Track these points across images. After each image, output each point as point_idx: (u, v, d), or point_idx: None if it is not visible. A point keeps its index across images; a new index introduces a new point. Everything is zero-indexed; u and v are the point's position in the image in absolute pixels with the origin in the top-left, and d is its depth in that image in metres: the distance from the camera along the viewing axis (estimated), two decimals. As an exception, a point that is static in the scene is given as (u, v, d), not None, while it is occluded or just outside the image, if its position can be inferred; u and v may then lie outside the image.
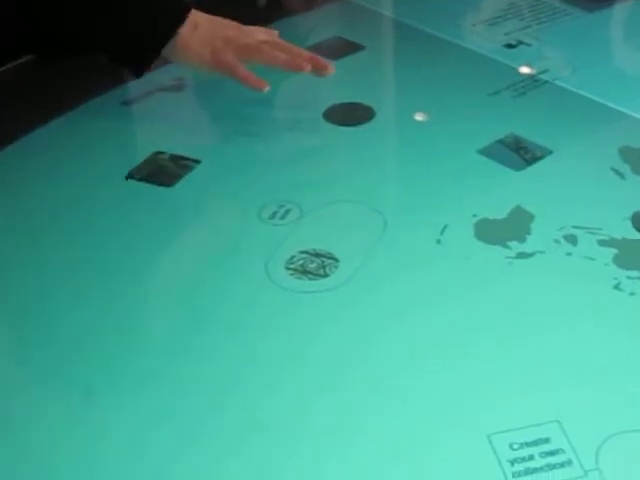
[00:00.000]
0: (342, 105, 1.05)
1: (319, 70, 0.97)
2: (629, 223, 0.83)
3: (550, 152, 0.94)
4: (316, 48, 1.11)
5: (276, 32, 1.04)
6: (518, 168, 0.92)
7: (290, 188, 0.90)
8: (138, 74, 1.02)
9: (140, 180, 0.93)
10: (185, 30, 0.98)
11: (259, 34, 1.01)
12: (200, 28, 0.99)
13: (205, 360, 0.72)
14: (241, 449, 0.64)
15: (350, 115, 1.03)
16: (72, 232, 0.87)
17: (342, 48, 1.18)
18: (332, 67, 0.98)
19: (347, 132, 1.01)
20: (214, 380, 0.70)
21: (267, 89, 0.95)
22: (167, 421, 0.66)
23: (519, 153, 0.94)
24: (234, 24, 1.02)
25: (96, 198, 0.92)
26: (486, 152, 0.95)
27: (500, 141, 0.96)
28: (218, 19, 1.02)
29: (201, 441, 0.65)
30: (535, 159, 0.93)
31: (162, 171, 0.94)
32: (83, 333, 0.75)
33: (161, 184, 0.92)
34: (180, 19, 0.98)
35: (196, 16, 0.99)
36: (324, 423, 0.66)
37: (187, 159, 0.96)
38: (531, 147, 0.95)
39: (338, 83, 1.05)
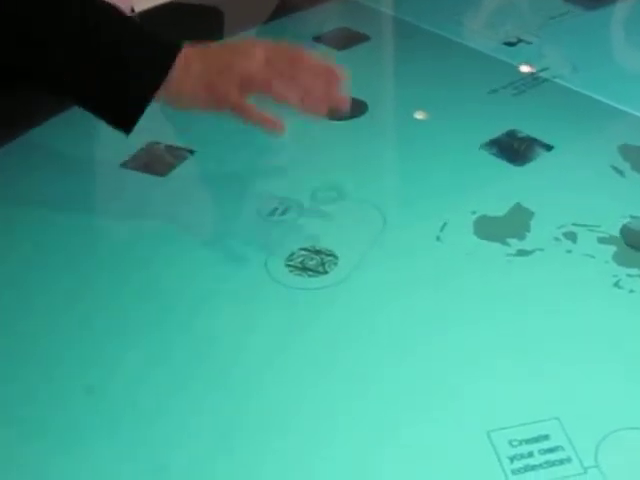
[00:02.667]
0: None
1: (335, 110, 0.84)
2: (629, 221, 0.83)
3: (550, 150, 0.94)
4: (321, 39, 1.11)
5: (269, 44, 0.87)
6: (518, 166, 0.92)
7: (289, 184, 0.91)
8: (125, 130, 0.84)
9: (135, 170, 0.93)
10: (176, 74, 0.82)
11: (256, 51, 0.84)
12: (193, 65, 0.83)
13: (202, 355, 0.72)
14: (237, 440, 0.64)
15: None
16: (69, 223, 0.87)
17: (348, 39, 1.18)
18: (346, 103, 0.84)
19: (345, 127, 1.00)
20: (213, 377, 0.70)
21: (285, 132, 0.81)
22: (164, 416, 0.67)
23: (519, 151, 0.94)
24: (227, 47, 0.88)
25: (93, 188, 0.92)
26: (486, 149, 0.95)
27: (500, 139, 0.96)
28: (210, 48, 0.86)
29: (198, 434, 0.65)
30: (535, 157, 0.93)
31: (157, 161, 0.95)
32: (82, 326, 0.75)
33: (156, 174, 0.93)
34: (163, 68, 0.82)
35: (187, 53, 0.83)
36: (324, 421, 0.66)
37: (182, 149, 0.96)
38: (531, 145, 0.95)
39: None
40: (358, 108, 1.03)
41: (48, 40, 0.82)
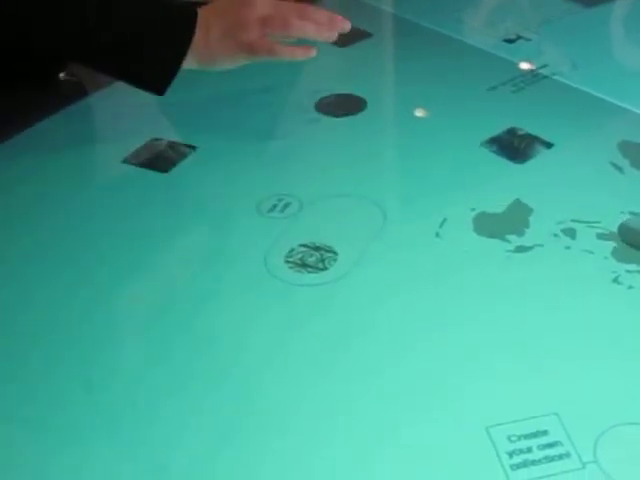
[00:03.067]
0: (337, 96, 1.05)
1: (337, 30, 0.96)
2: (628, 217, 0.83)
3: (549, 146, 0.94)
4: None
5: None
6: (517, 162, 0.92)
7: (289, 180, 0.91)
8: (159, 93, 0.94)
9: (137, 166, 0.94)
10: (201, 35, 0.92)
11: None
12: (212, 23, 0.93)
13: (202, 353, 0.72)
14: (237, 440, 0.64)
15: (345, 106, 1.03)
16: (71, 219, 0.87)
17: (348, 35, 1.18)
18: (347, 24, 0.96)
19: (345, 124, 1.01)
20: (213, 375, 0.70)
21: (315, 51, 0.93)
22: (163, 415, 0.67)
23: (518, 147, 0.95)
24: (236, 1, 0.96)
25: (94, 184, 0.92)
26: (485, 146, 0.95)
27: (499, 135, 0.96)
28: (220, 3, 0.96)
29: (198, 433, 0.65)
30: (534, 153, 0.93)
31: (159, 157, 0.95)
32: (82, 323, 0.75)
33: (158, 170, 0.93)
34: (189, 30, 0.92)
35: (204, 14, 0.93)
36: (323, 418, 0.66)
37: (184, 145, 0.96)
38: (530, 141, 0.95)
39: (334, 74, 1.05)
40: (357, 105, 1.04)
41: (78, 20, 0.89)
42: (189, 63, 0.93)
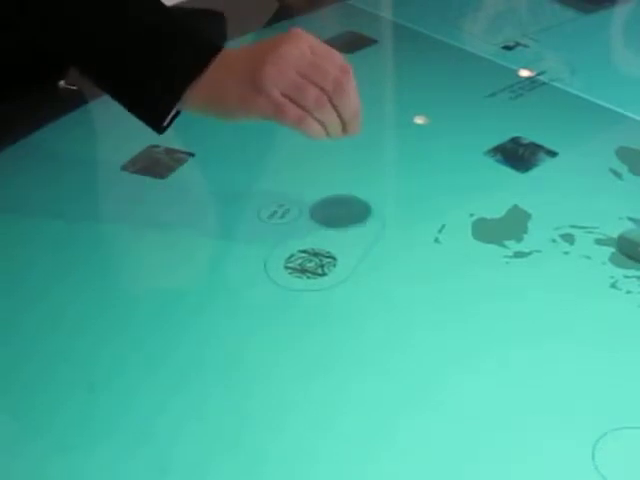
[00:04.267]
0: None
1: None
2: (626, 222, 0.84)
3: (547, 153, 0.95)
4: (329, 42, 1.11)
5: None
6: (515, 168, 0.93)
7: (289, 187, 0.91)
8: (158, 128, 0.81)
9: (135, 173, 0.94)
10: (213, 74, 0.78)
11: (300, 45, 0.79)
12: (235, 66, 0.79)
13: (202, 357, 0.72)
14: (237, 439, 0.65)
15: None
16: (69, 226, 0.87)
17: (350, 43, 1.18)
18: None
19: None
20: (213, 378, 0.70)
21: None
22: (163, 416, 0.67)
23: (516, 153, 0.95)
24: (269, 46, 0.79)
25: (93, 191, 0.92)
26: (483, 152, 0.95)
27: (497, 141, 0.97)
28: (253, 47, 0.81)
29: (198, 434, 0.65)
30: (532, 159, 0.94)
31: (157, 164, 0.95)
32: (83, 325, 0.75)
33: (155, 177, 0.93)
34: (203, 60, 0.78)
35: (228, 54, 0.80)
36: (323, 422, 0.66)
37: (182, 152, 0.97)
38: (528, 147, 0.96)
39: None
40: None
41: (91, 26, 0.79)
42: (194, 104, 0.80)
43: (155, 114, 0.80)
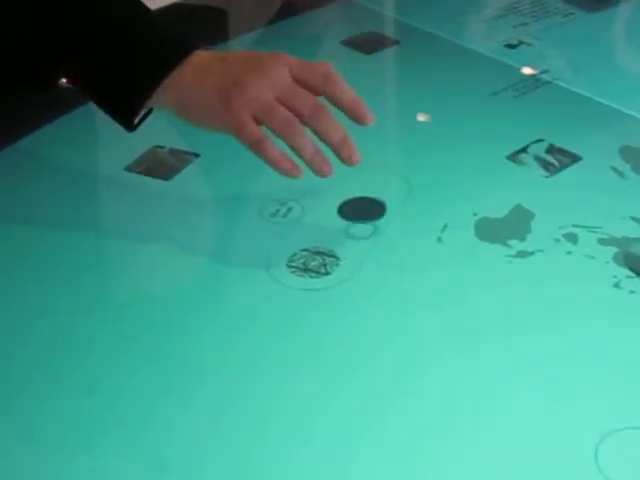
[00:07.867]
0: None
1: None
2: (629, 222, 0.84)
3: (551, 151, 0.94)
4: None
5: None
6: (518, 166, 0.93)
7: (291, 186, 0.91)
8: (128, 126, 0.79)
9: (139, 173, 0.94)
10: (185, 77, 0.76)
11: (282, 70, 0.76)
12: (211, 69, 0.76)
13: (203, 356, 0.72)
14: (237, 439, 0.65)
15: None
16: (73, 227, 0.87)
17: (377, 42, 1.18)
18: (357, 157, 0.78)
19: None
20: (214, 377, 0.70)
21: (301, 175, 0.76)
22: (162, 416, 0.67)
23: (519, 152, 0.95)
24: (251, 60, 0.77)
25: (97, 192, 0.92)
26: (486, 151, 0.95)
27: (500, 140, 0.97)
28: (232, 56, 0.79)
29: (198, 433, 0.65)
30: (536, 158, 0.94)
31: (161, 165, 0.95)
32: (83, 323, 0.76)
33: (159, 177, 0.93)
34: (169, 64, 0.75)
35: (205, 58, 0.77)
36: (323, 421, 0.66)
37: (186, 153, 0.97)
38: (531, 146, 0.95)
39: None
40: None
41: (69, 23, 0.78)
42: (167, 104, 0.78)
43: (126, 111, 0.78)
